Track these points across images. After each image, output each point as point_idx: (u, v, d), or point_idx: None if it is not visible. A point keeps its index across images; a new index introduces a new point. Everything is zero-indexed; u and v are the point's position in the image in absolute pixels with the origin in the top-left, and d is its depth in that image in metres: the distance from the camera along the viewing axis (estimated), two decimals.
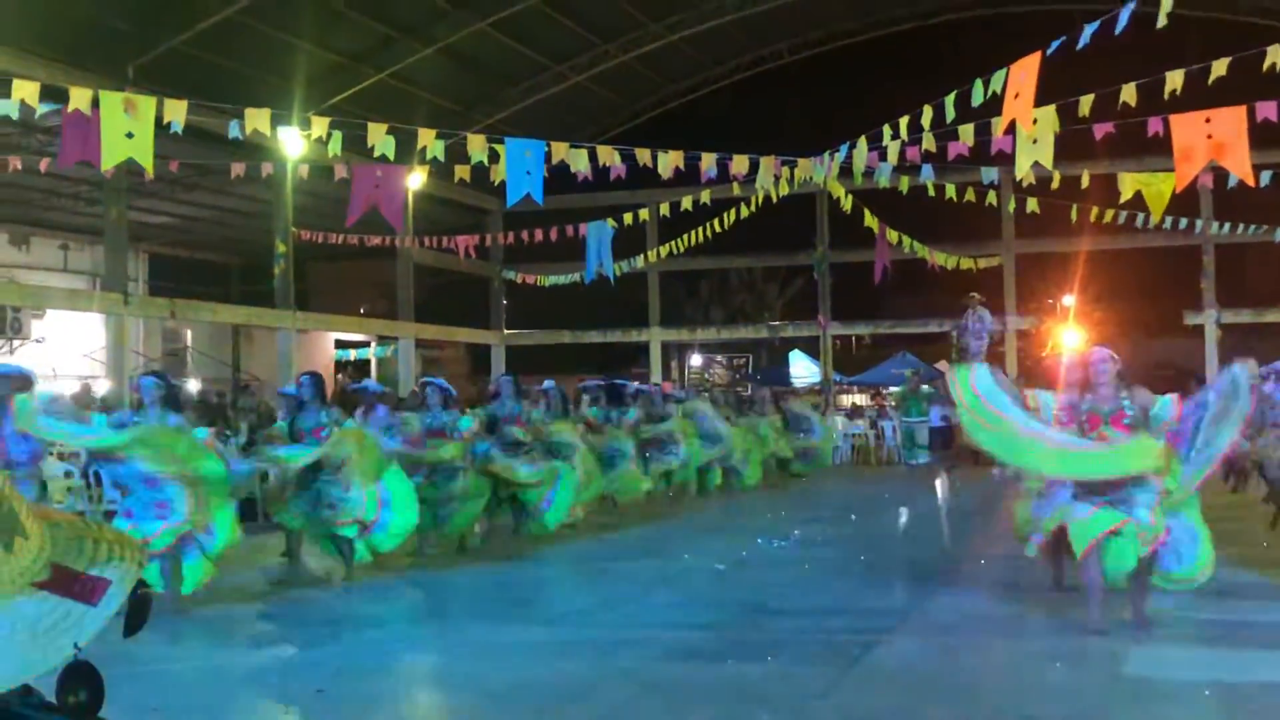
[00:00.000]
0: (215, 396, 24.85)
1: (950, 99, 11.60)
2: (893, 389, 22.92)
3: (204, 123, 15.86)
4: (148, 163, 10.33)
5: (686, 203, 17.70)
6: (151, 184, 21.02)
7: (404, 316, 30.26)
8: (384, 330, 31.02)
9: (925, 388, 20.75)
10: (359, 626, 8.57)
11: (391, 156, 12.30)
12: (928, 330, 32.21)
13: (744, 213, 20.20)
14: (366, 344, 34.24)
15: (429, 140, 12.31)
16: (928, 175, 15.61)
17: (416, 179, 21.05)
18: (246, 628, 8.69)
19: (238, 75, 22.95)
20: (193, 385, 26.60)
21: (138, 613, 2.13)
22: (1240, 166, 10.12)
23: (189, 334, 30.62)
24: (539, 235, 21.19)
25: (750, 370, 42.18)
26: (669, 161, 13.44)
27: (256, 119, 11.63)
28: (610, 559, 11.97)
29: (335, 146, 12.31)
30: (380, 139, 12.04)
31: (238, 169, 15.42)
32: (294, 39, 23.08)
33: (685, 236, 22.73)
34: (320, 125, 12.25)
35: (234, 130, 12.10)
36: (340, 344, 33.18)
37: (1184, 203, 19.33)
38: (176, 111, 10.94)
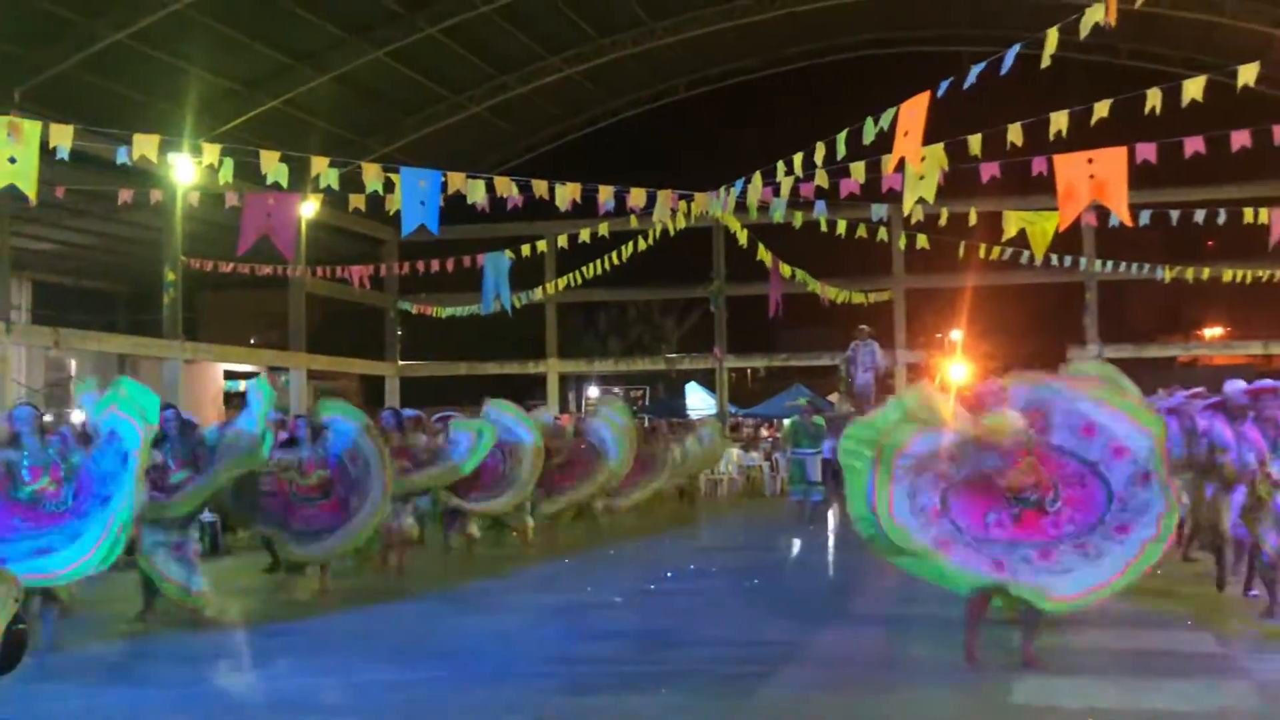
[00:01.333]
0: None
1: (842, 136, 11.81)
2: (787, 420, 21.74)
3: (92, 148, 15.53)
4: (31, 188, 10.06)
5: (584, 235, 17.73)
6: (36, 210, 20.55)
7: (295, 347, 29.87)
8: (275, 361, 30.56)
9: (817, 419, 20.16)
10: (240, 666, 8.40)
11: (285, 184, 12.14)
12: (820, 363, 32.60)
13: (641, 245, 20.31)
14: (257, 374, 33.66)
15: (323, 168, 12.18)
16: (821, 211, 15.83)
17: (310, 208, 20.79)
18: (123, 666, 8.46)
19: (128, 100, 22.56)
20: (77, 416, 25.91)
21: (12, 650, 2.06)
22: (1119, 205, 10.41)
23: (73, 364, 29.84)
24: (435, 266, 21.07)
25: (647, 402, 42.28)
26: (566, 193, 13.44)
27: (145, 145, 11.41)
28: (503, 592, 11.89)
29: (227, 174, 12.10)
30: (273, 166, 11.87)
31: (126, 195, 15.11)
32: (186, 65, 22.77)
33: (583, 269, 22.76)
34: (212, 152, 12.05)
35: (122, 156, 11.86)
36: (230, 375, 32.61)
37: (1068, 240, 19.87)
38: (63, 136, 10.69)
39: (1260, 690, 6.95)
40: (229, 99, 24.59)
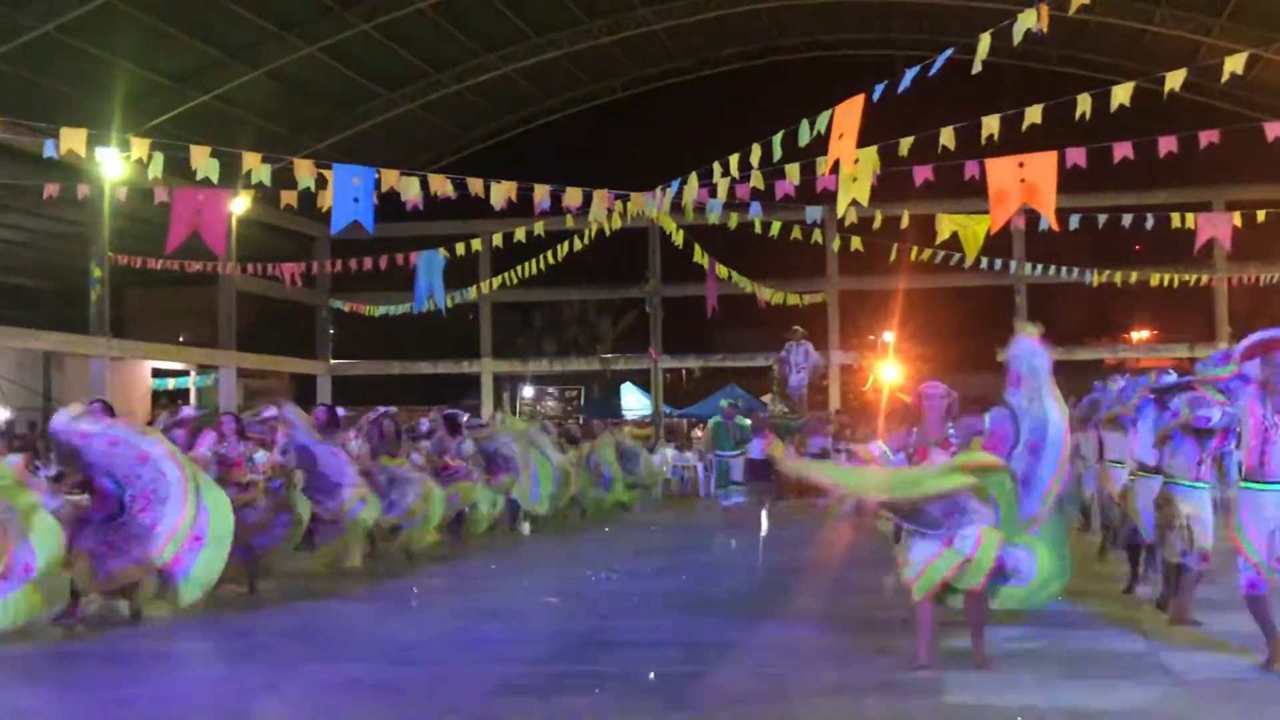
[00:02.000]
0: (26, 426, 23.80)
1: (778, 138, 11.87)
2: (710, 421, 21.21)
3: (18, 142, 15.29)
4: None
5: (520, 234, 17.68)
6: None
7: (225, 345, 29.52)
8: (204, 359, 30.20)
9: (743, 419, 19.71)
10: (175, 666, 8.27)
11: (215, 180, 12.00)
12: (756, 364, 32.75)
13: (577, 245, 20.29)
14: (186, 373, 33.26)
15: (254, 164, 12.06)
16: (756, 212, 15.91)
17: (240, 204, 20.57)
18: (53, 668, 8.29)
19: (55, 94, 22.18)
20: (0, 414, 25.43)
21: None
22: (1048, 209, 10.56)
23: None
24: (368, 264, 20.91)
25: (582, 402, 42.27)
26: (501, 192, 13.41)
27: (72, 139, 11.25)
28: (438, 593, 11.80)
29: (156, 169, 11.95)
30: (203, 162, 11.75)
31: (52, 190, 14.85)
32: (115, 58, 22.43)
33: (518, 268, 22.70)
34: (141, 147, 11.89)
35: (49, 150, 11.67)
36: (158, 373, 32.15)
37: (998, 244, 20.11)
38: None
39: (1183, 687, 7.06)
40: (159, 93, 24.25)
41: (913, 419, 8.21)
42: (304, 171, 12.26)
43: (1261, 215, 17.59)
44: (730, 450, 19.29)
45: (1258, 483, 7.23)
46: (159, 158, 11.93)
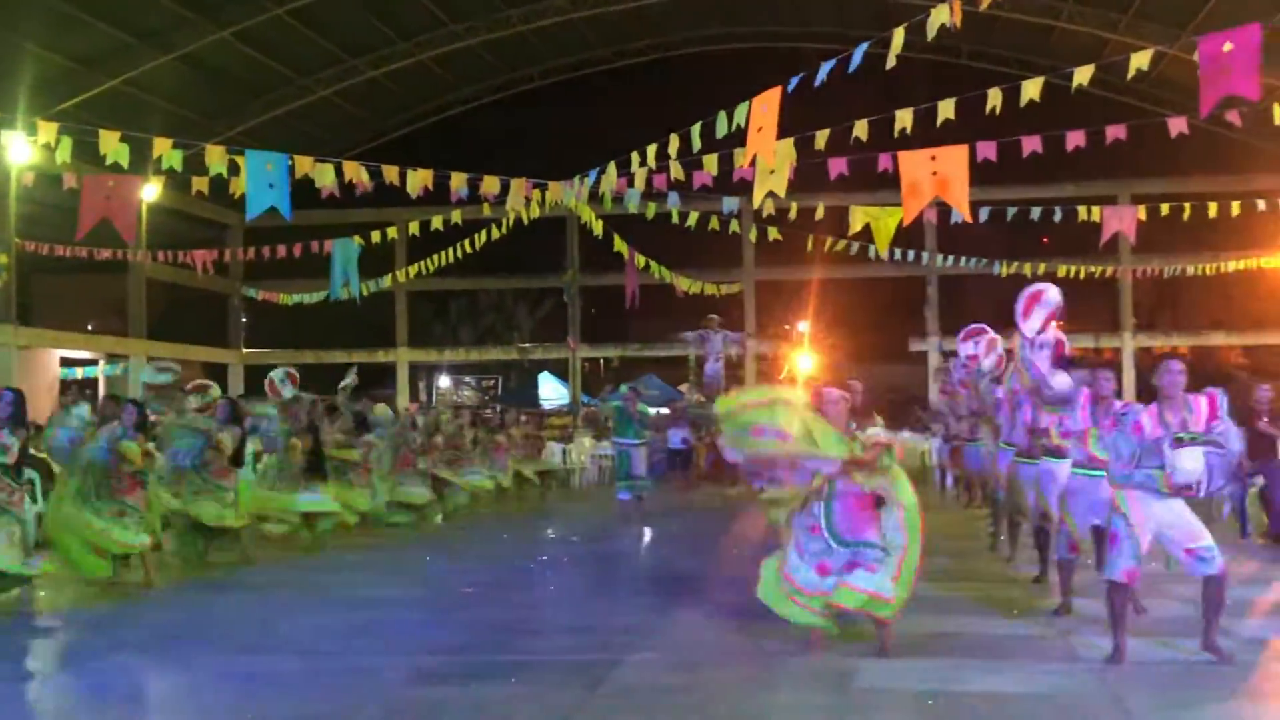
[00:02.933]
0: None
1: (696, 129, 11.95)
2: (610, 405, 20.10)
3: None
4: None
5: (437, 222, 17.59)
6: None
7: (135, 334, 29.03)
8: (113, 348, 29.66)
9: (644, 407, 18.28)
10: (95, 656, 8.14)
11: (125, 165, 11.81)
12: (674, 353, 32.88)
13: (494, 234, 20.22)
14: (95, 362, 32.64)
15: (165, 149, 11.89)
16: (674, 202, 15.98)
17: (151, 190, 20.22)
18: None
19: None
20: None
21: None
22: (960, 202, 10.73)
23: None
24: (282, 252, 20.66)
25: (499, 392, 42.13)
26: (418, 180, 13.35)
27: None
28: (352, 584, 11.74)
29: (64, 154, 11.74)
30: (113, 147, 11.55)
31: None
32: (20, 40, 21.92)
33: (435, 257, 22.57)
34: (48, 131, 11.66)
35: None
36: (66, 361, 31.52)
37: (910, 236, 20.40)
38: None
39: (1088, 670, 7.25)
40: (67, 78, 23.76)
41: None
42: (216, 158, 12.10)
43: (1165, 209, 18.04)
44: (631, 439, 17.45)
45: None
46: (67, 142, 11.71)
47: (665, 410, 19.39)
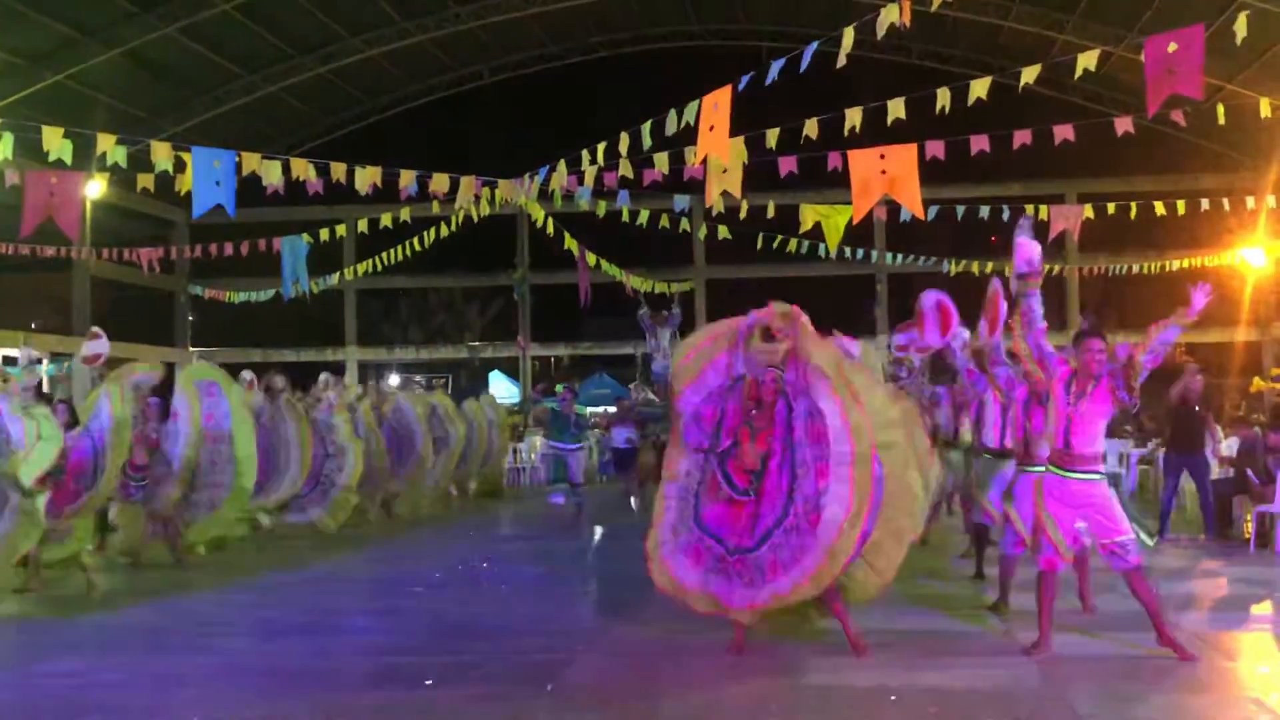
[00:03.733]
0: None
1: (646, 127, 11.94)
2: (548, 403, 18.53)
3: None
4: None
5: (386, 220, 17.48)
6: None
7: (79, 332, 28.58)
8: (57, 347, 29.17)
9: (581, 408, 17.13)
10: (31, 659, 8.02)
11: (69, 162, 11.65)
12: (624, 352, 32.85)
13: (444, 232, 20.12)
14: (39, 360, 32.17)
15: (109, 146, 11.75)
16: (624, 200, 15.97)
17: (95, 187, 19.94)
18: None
19: None
20: None
21: None
22: (911, 200, 10.80)
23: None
24: (229, 249, 20.46)
25: (450, 390, 41.94)
26: (366, 177, 13.27)
27: None
28: (301, 584, 11.65)
29: (6, 150, 11.57)
30: (56, 143, 11.40)
31: None
32: None
33: (384, 254, 22.43)
34: None
35: None
36: (9, 360, 31.04)
37: (860, 234, 20.49)
38: None
39: (1039, 668, 7.30)
40: (9, 73, 23.37)
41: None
42: (161, 154, 11.96)
43: (1112, 208, 18.23)
44: (567, 443, 16.24)
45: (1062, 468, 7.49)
46: (9, 138, 11.56)
47: (611, 409, 18.40)
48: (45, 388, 30.23)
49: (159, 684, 7.27)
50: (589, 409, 32.20)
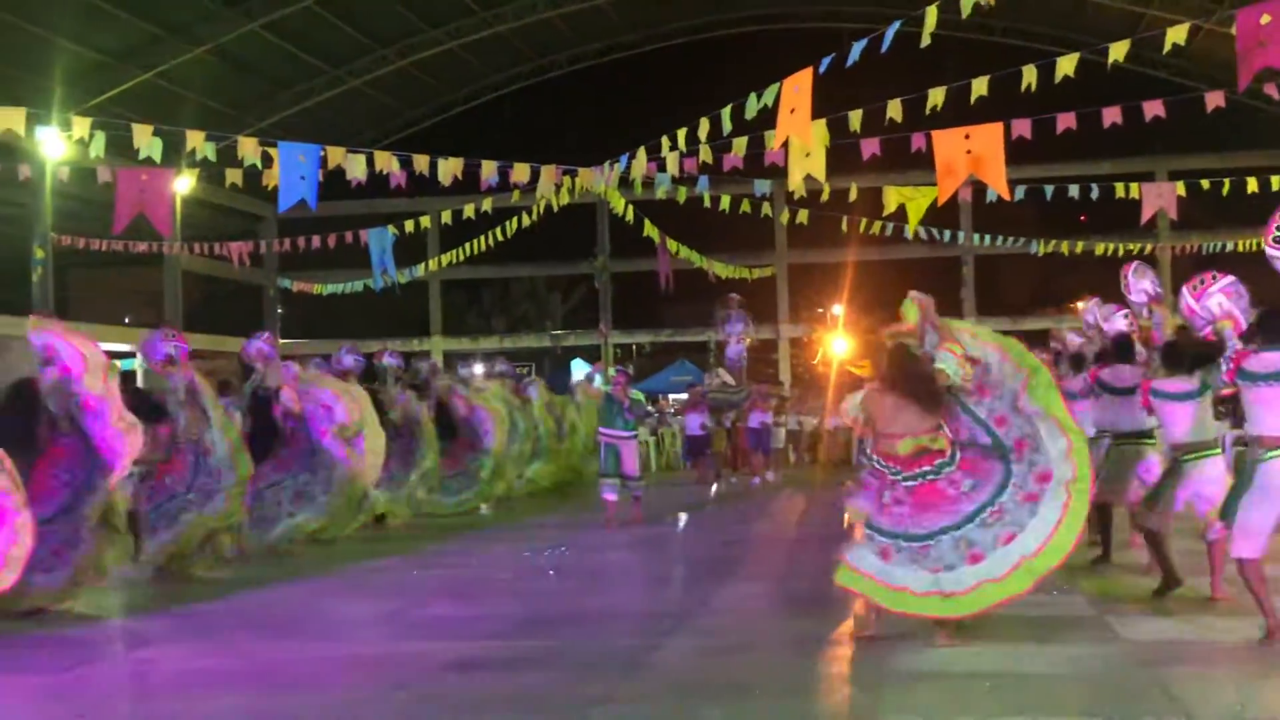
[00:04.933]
0: None
1: (726, 112, 11.87)
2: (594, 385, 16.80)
3: None
4: None
5: (468, 210, 17.58)
6: None
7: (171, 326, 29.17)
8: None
9: (637, 393, 15.57)
10: (122, 648, 8.20)
11: (158, 159, 11.85)
12: (705, 338, 32.78)
13: (525, 221, 20.19)
14: (132, 355, 32.88)
15: (198, 142, 11.93)
16: (704, 186, 15.90)
17: (185, 183, 20.31)
18: (28, 654, 8.19)
19: None
20: None
21: None
22: (997, 180, 10.62)
23: None
24: (315, 242, 20.71)
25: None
26: (448, 169, 13.34)
27: (11, 118, 11.04)
28: (390, 571, 11.78)
29: (98, 148, 11.79)
30: (146, 140, 11.60)
31: None
32: (53, 35, 22.05)
33: (467, 245, 22.57)
34: (82, 125, 11.71)
35: None
36: (104, 354, 31.76)
37: (945, 215, 20.22)
38: None
39: (1132, 653, 7.17)
40: (99, 71, 23.88)
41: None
42: (249, 149, 12.13)
43: (1205, 184, 17.80)
44: (620, 430, 14.81)
45: None
46: (100, 137, 11.76)
47: (642, 395, 17.14)
48: (140, 381, 30.91)
49: (238, 675, 7.39)
50: (671, 396, 32.23)
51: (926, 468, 7.41)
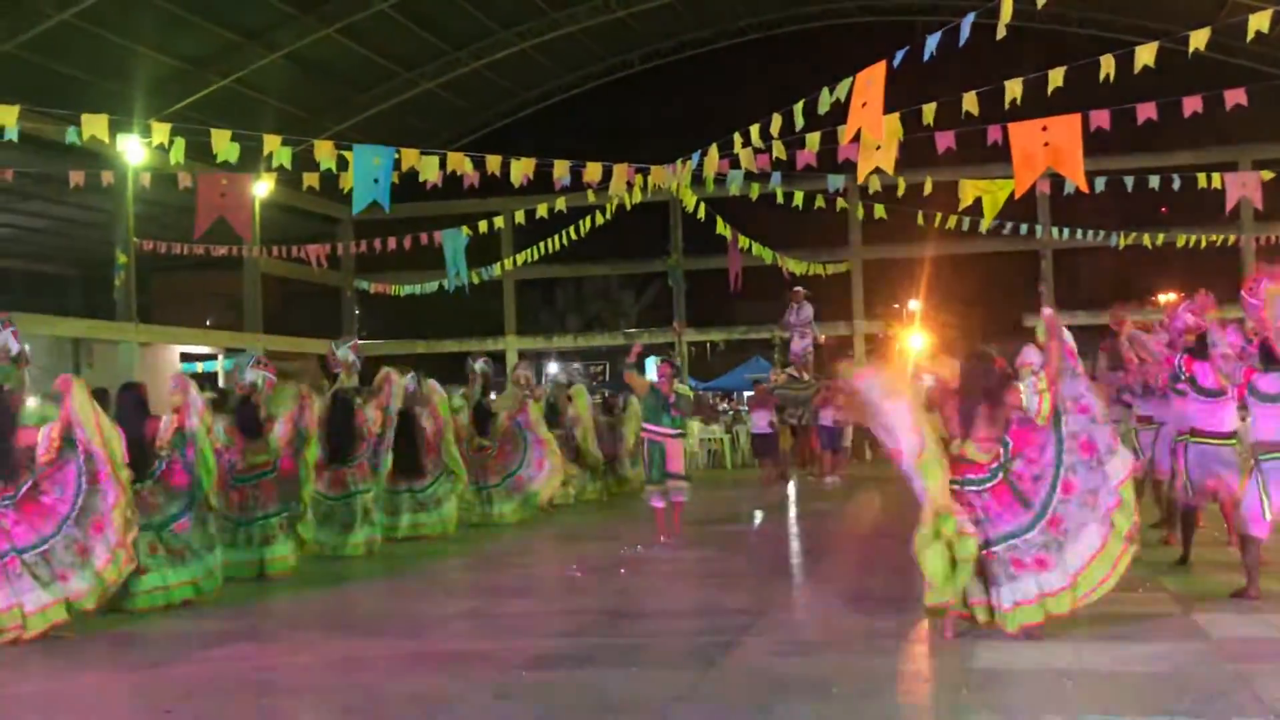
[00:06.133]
0: None
1: (798, 107, 11.80)
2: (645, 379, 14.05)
3: (40, 129, 15.32)
4: None
5: (541, 210, 17.66)
6: None
7: (251, 328, 29.64)
8: (230, 342, 30.31)
9: (684, 386, 13.96)
10: (200, 645, 8.33)
11: (235, 163, 12.03)
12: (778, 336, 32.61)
13: (598, 220, 20.24)
14: (213, 356, 33.45)
15: (275, 147, 12.10)
16: (776, 182, 15.82)
17: (263, 187, 20.61)
18: (87, 651, 8.36)
19: (74, 81, 22.26)
20: (31, 401, 25.54)
21: None
22: (1075, 173, 10.48)
23: (27, 348, 29.37)
24: (391, 244, 20.93)
25: (607, 377, 42.28)
26: (521, 169, 13.40)
27: (94, 125, 11.29)
28: (463, 570, 11.87)
29: (178, 154, 11.99)
30: (224, 146, 11.78)
31: (76, 177, 14.93)
32: (133, 44, 22.47)
33: (540, 244, 22.67)
34: (161, 132, 11.92)
35: (72, 136, 11.73)
36: (186, 357, 32.33)
37: (1023, 208, 19.94)
38: (8, 116, 10.55)
39: (1217, 650, 7.04)
40: (178, 78, 24.29)
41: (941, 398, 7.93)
42: (324, 153, 12.27)
43: None
44: (666, 427, 13.16)
45: None
46: (180, 142, 11.96)
47: (688, 389, 15.61)
48: (221, 383, 31.45)
49: (328, 665, 7.49)
50: (746, 394, 32.12)
51: (960, 477, 7.46)
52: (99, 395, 9.62)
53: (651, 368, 16.34)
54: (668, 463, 13.08)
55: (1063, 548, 7.31)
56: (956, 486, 7.39)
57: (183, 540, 9.68)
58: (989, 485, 7.45)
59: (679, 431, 13.36)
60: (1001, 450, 7.51)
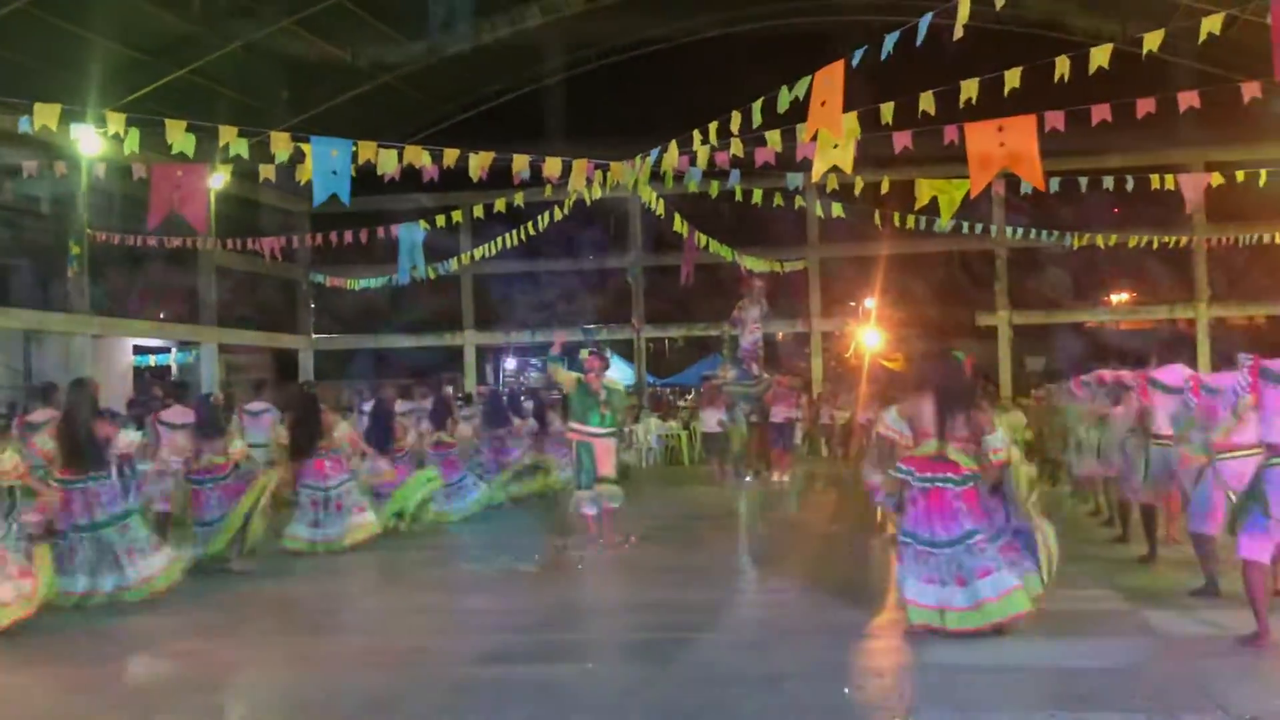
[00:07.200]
0: (5, 406, 23.67)
1: (757, 105, 11.82)
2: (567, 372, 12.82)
3: None
4: None
5: (500, 205, 17.60)
6: None
7: (206, 321, 29.40)
8: (185, 335, 30.06)
9: (612, 384, 12.79)
10: (164, 639, 8.26)
11: (190, 154, 11.92)
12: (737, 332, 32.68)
13: (557, 216, 20.20)
14: (167, 349, 33.13)
15: (231, 138, 11.98)
16: (735, 180, 15.85)
17: (219, 179, 20.43)
18: (37, 645, 8.27)
19: (27, 70, 21.96)
20: None
21: None
22: (1032, 173, 10.55)
23: None
24: (348, 237, 20.80)
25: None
26: (479, 163, 13.36)
27: (46, 114, 11.13)
28: (419, 565, 11.82)
29: (132, 144, 11.86)
30: (179, 136, 11.65)
31: (29, 167, 14.74)
32: (88, 33, 22.20)
33: (498, 239, 22.60)
34: (116, 121, 11.78)
35: (24, 125, 11.56)
36: (139, 349, 32.00)
37: (978, 208, 20.07)
38: None
39: (1165, 645, 7.13)
40: (134, 69, 24.02)
41: (896, 387, 8.12)
42: (281, 145, 12.17)
43: (1241, 175, 17.63)
44: (596, 425, 12.15)
45: None
46: (135, 133, 11.82)
47: (623, 386, 14.60)
48: (175, 375, 31.17)
49: (270, 667, 7.44)
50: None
51: (940, 475, 7.50)
52: (49, 389, 9.54)
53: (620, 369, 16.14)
54: (598, 466, 12.13)
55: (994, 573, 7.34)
56: (937, 484, 7.43)
57: (129, 540, 9.60)
58: (963, 489, 7.48)
59: (609, 431, 12.33)
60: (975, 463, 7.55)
